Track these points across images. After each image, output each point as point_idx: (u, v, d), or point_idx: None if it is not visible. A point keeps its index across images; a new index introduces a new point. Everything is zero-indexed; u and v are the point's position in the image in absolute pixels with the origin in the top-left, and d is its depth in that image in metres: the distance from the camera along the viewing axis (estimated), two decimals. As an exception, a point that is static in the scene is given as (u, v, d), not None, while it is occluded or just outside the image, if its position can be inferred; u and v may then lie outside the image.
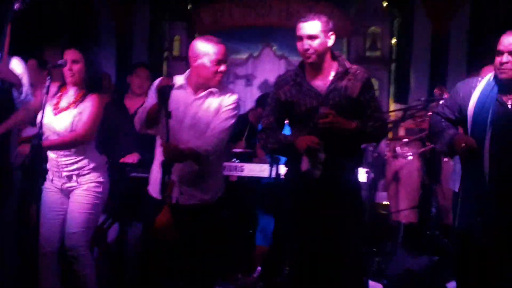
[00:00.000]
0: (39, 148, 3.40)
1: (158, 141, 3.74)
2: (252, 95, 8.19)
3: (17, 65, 4.52)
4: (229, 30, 8.70)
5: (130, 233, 4.89)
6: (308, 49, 3.41)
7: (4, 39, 4.29)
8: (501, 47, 3.39)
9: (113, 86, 6.39)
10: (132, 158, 4.87)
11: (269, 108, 3.61)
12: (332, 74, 3.46)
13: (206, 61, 3.61)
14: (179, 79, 3.71)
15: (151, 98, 3.68)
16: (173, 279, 3.91)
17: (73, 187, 3.93)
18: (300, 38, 3.43)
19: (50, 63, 4.03)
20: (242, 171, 4.93)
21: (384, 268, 5.26)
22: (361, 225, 3.67)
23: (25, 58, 4.76)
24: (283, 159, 4.62)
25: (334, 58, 3.52)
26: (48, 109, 3.89)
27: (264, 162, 4.84)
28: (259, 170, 4.84)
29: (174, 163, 3.44)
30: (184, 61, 8.93)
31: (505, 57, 3.36)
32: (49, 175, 3.95)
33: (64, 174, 3.92)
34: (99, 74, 4.13)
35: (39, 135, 3.43)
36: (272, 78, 8.39)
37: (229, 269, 5.04)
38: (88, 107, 3.92)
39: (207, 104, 3.68)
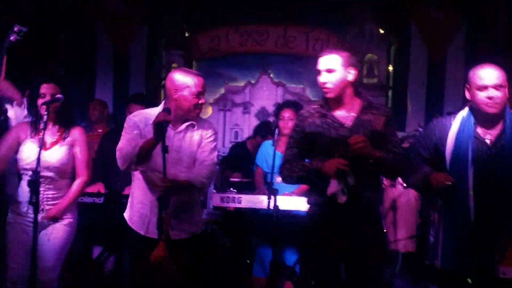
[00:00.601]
0: (36, 184, 3.40)
1: (136, 176, 3.71)
2: (250, 122, 8.21)
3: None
4: (227, 57, 8.76)
5: (126, 264, 4.85)
6: (325, 83, 3.44)
7: (2, 58, 4.32)
8: (485, 81, 3.39)
9: (109, 116, 6.37)
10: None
11: (292, 141, 3.61)
12: (356, 107, 3.47)
13: (186, 93, 3.59)
14: (155, 112, 3.64)
15: (133, 135, 3.63)
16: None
17: (51, 221, 3.89)
18: (319, 72, 3.46)
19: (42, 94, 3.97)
20: (240, 202, 4.91)
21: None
22: (383, 256, 3.67)
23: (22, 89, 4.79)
24: (281, 190, 4.61)
25: (357, 93, 3.54)
26: (30, 145, 3.88)
27: (262, 193, 4.82)
28: (257, 201, 4.81)
29: (170, 198, 3.42)
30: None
31: (492, 92, 3.38)
32: (21, 208, 3.88)
33: (46, 208, 3.88)
34: (72, 107, 4.10)
35: (37, 171, 3.44)
36: (269, 105, 8.43)
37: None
38: (79, 143, 3.98)
39: (188, 137, 3.67)
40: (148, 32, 8.56)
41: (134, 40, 8.40)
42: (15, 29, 4.28)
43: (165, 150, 3.39)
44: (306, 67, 8.00)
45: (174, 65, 8.64)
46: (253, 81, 8.74)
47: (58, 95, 3.78)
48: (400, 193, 6.17)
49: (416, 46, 8.22)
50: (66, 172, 3.96)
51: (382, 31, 8.41)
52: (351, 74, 3.46)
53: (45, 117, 3.62)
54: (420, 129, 5.23)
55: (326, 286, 3.47)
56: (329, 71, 3.43)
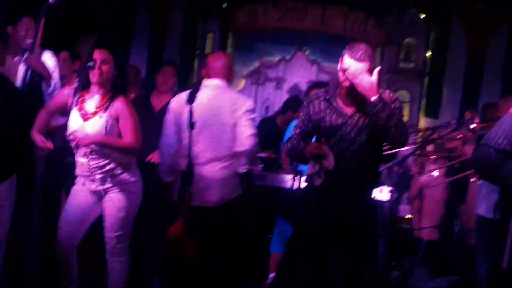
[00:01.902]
0: (65, 150, 3.42)
1: None
2: (281, 98, 8.14)
3: (49, 59, 4.59)
4: (263, 32, 8.71)
5: (152, 235, 4.89)
6: (348, 83, 3.41)
7: (37, 33, 4.33)
8: None
9: (142, 81, 6.39)
10: (157, 156, 4.84)
11: (299, 121, 3.66)
12: (362, 96, 3.44)
13: None
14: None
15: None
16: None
17: (108, 189, 3.82)
18: (343, 70, 3.41)
19: (82, 56, 3.98)
20: (264, 180, 4.92)
21: (402, 284, 5.21)
22: (372, 243, 3.64)
23: (57, 50, 4.82)
24: (306, 171, 4.60)
25: None
26: (75, 114, 3.80)
27: (288, 173, 4.82)
28: (281, 180, 4.82)
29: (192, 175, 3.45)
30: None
31: None
32: (80, 180, 3.86)
33: (98, 177, 3.80)
34: (127, 77, 4.03)
35: (65, 137, 3.46)
36: (302, 83, 8.38)
37: (243, 273, 5.01)
38: (122, 113, 3.81)
39: None
40: (187, 1, 8.53)
41: (173, 10, 8.37)
42: None
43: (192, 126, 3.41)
44: (342, 47, 7.87)
45: (210, 35, 8.63)
46: (288, 57, 8.68)
47: (90, 63, 3.71)
48: (428, 181, 6.12)
49: (457, 34, 8.06)
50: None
51: (422, 16, 8.25)
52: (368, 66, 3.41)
53: (76, 84, 3.60)
54: (454, 121, 5.13)
55: (316, 267, 3.54)
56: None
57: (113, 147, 3.76)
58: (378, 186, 3.88)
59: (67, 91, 3.87)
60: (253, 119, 4.23)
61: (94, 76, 3.72)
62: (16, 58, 4.47)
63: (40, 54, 4.48)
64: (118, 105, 3.78)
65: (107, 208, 3.83)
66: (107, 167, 3.79)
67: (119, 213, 3.82)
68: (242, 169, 4.14)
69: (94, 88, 3.78)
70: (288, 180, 4.65)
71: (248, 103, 4.22)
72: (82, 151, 3.76)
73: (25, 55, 4.37)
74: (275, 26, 8.66)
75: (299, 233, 3.71)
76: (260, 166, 5.16)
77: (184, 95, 4.08)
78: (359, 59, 3.36)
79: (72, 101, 3.79)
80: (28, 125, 3.86)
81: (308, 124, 3.57)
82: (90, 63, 3.70)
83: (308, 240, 3.58)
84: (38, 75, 4.41)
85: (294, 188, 4.45)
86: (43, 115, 3.90)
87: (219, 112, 4.17)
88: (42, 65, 4.40)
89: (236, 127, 4.14)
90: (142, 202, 3.97)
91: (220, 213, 4.10)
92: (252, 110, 4.21)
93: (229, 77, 4.32)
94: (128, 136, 3.78)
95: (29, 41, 4.42)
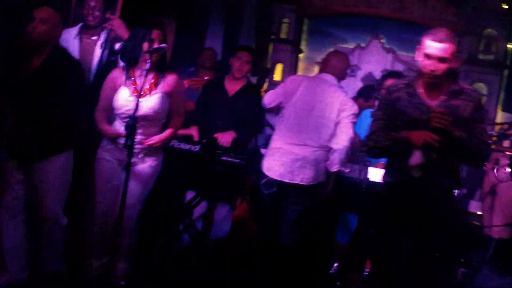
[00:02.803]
0: (133, 129, 3.51)
1: None
2: (354, 86, 8.05)
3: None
4: (338, 17, 8.62)
5: (217, 213, 4.97)
6: (434, 71, 3.34)
7: (116, 3, 4.39)
8: None
9: (217, 64, 6.44)
10: (226, 137, 4.91)
11: (380, 113, 3.59)
12: (446, 91, 3.38)
13: None
14: None
15: None
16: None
17: (136, 163, 3.94)
18: (428, 57, 3.35)
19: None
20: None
21: (468, 281, 5.11)
22: (449, 236, 3.62)
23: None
24: (373, 161, 4.56)
25: (450, 76, 3.44)
26: (126, 92, 3.89)
27: (355, 162, 4.78)
28: (348, 169, 4.78)
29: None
30: (289, 45, 8.95)
31: None
32: (107, 146, 3.97)
33: (135, 151, 3.85)
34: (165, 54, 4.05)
35: (135, 117, 3.55)
36: (376, 71, 8.26)
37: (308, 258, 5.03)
38: (173, 90, 3.97)
39: None
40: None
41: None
42: None
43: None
44: (420, 35, 7.70)
45: (285, 19, 8.61)
46: (363, 45, 8.58)
47: (163, 45, 3.78)
48: (502, 178, 5.94)
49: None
50: (157, 119, 3.96)
51: (505, 7, 7.95)
52: (455, 62, 3.37)
53: (147, 65, 3.64)
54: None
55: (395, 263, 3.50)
56: (441, 59, 3.32)
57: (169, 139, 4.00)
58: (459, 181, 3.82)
59: (117, 71, 3.98)
60: (354, 123, 4.56)
61: (148, 57, 3.75)
62: (94, 38, 4.56)
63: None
64: (170, 81, 3.95)
65: (130, 179, 3.84)
66: (145, 145, 3.92)
67: (138, 186, 3.93)
68: (334, 168, 4.49)
69: (144, 66, 3.80)
70: (355, 169, 4.62)
71: (355, 108, 4.59)
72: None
73: (107, 22, 4.47)
74: (351, 12, 8.56)
75: (382, 224, 3.62)
76: None
77: (299, 79, 4.53)
78: (442, 41, 3.30)
79: (122, 80, 3.90)
80: (91, 102, 3.99)
81: (390, 115, 3.51)
82: (163, 45, 3.78)
83: (392, 232, 3.52)
84: (115, 55, 4.49)
85: (361, 178, 4.43)
86: (103, 101, 3.99)
87: (326, 106, 4.52)
88: (124, 28, 4.44)
89: (338, 125, 4.49)
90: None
91: (309, 192, 4.45)
92: (356, 115, 4.57)
93: (340, 76, 4.78)
94: (180, 112, 4.04)
95: (97, 14, 4.49)
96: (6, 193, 3.93)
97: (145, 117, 3.86)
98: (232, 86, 5.21)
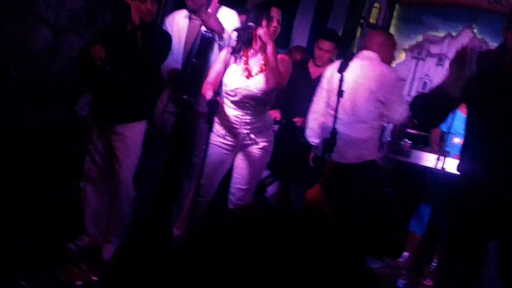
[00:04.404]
0: (215, 105, 3.61)
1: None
2: (441, 75, 7.91)
3: (225, 15, 4.62)
4: (431, 5, 8.44)
5: (292, 193, 5.06)
6: None
7: None
8: None
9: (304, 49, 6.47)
10: (302, 121, 4.96)
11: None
12: None
13: None
14: None
15: None
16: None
17: (248, 145, 4.00)
18: None
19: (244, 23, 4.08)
20: (408, 156, 4.89)
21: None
22: None
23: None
24: (453, 153, 4.52)
25: None
26: (236, 72, 3.93)
27: (434, 152, 4.75)
28: (426, 159, 4.76)
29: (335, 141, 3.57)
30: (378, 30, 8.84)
31: None
32: (219, 130, 4.03)
33: (245, 131, 3.98)
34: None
35: (217, 92, 3.65)
36: (466, 62, 8.04)
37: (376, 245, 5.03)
38: (285, 70, 3.94)
39: None
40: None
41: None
42: None
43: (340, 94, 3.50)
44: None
45: (376, 4, 8.51)
46: (454, 34, 8.37)
47: (250, 23, 3.83)
48: None
49: None
50: (267, 101, 3.97)
51: None
52: None
53: (238, 44, 3.73)
54: None
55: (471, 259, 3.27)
56: None
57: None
58: None
59: (226, 51, 4.03)
60: (402, 98, 4.46)
61: (271, 34, 3.78)
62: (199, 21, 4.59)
63: (217, 10, 4.56)
64: (280, 62, 3.89)
65: (241, 162, 4.02)
66: (255, 125, 3.97)
67: (251, 168, 4.00)
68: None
69: (256, 46, 3.90)
70: (432, 160, 4.59)
71: (399, 75, 4.48)
72: (239, 105, 3.92)
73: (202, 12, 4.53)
74: (445, 1, 8.36)
75: (456, 219, 3.35)
76: (408, 142, 5.14)
77: (337, 64, 4.18)
78: None
79: (231, 60, 3.95)
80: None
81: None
82: (251, 25, 3.83)
83: (467, 228, 3.24)
84: (213, 34, 4.56)
85: (438, 169, 4.39)
86: (212, 76, 4.04)
87: (367, 83, 4.36)
88: (215, 21, 4.44)
89: (387, 97, 4.35)
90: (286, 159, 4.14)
91: (358, 171, 4.36)
92: (403, 81, 4.31)
93: (384, 53, 4.48)
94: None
95: None
96: (86, 160, 4.08)
97: (253, 97, 3.90)
98: (316, 70, 5.28)
